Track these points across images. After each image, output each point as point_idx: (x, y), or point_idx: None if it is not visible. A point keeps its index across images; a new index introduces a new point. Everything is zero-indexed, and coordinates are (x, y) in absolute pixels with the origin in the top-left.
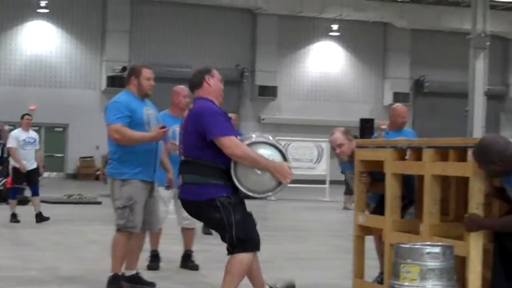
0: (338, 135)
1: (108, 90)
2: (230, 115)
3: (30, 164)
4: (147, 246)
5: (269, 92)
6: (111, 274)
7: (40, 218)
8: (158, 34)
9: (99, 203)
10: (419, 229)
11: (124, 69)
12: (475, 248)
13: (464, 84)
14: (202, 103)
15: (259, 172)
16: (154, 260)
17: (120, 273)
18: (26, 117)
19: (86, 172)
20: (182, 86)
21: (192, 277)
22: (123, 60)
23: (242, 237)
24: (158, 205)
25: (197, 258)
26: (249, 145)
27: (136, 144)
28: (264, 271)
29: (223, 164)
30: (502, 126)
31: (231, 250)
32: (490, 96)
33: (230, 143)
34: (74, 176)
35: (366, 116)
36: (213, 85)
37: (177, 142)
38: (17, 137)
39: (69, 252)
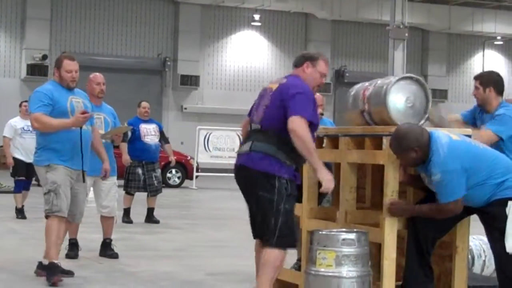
0: None
1: (28, 78)
2: (143, 104)
3: (29, 155)
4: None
5: (191, 81)
6: (47, 262)
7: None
8: (79, 22)
9: None
10: (336, 216)
11: (44, 57)
12: (390, 234)
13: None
14: (295, 79)
15: None
16: (73, 249)
17: (56, 261)
18: (24, 104)
19: (5, 161)
20: (96, 73)
21: (111, 265)
22: (43, 48)
23: (285, 230)
24: (84, 197)
25: (116, 246)
26: None
27: (57, 130)
28: (182, 258)
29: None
30: None
31: (269, 241)
32: None
33: (299, 124)
34: None
35: None
36: (308, 74)
37: (102, 131)
38: (13, 125)
39: None
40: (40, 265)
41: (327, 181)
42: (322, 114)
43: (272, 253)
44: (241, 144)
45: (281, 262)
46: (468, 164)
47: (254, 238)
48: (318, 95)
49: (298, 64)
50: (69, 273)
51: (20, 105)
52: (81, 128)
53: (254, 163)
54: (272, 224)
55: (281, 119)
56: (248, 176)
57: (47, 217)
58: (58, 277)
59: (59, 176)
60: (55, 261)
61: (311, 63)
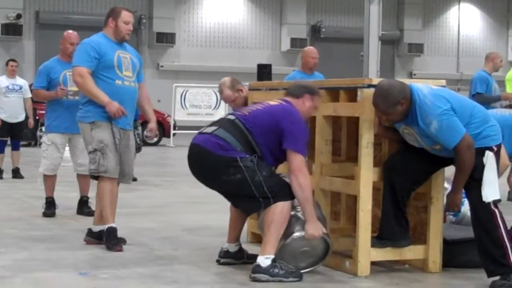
0: (228, 93)
1: (3, 38)
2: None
3: (15, 115)
4: (42, 193)
5: (167, 39)
6: (106, 227)
7: (16, 174)
8: None
9: None
10: (312, 170)
11: (18, 16)
12: (365, 186)
13: (359, 30)
14: (297, 110)
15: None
16: (50, 207)
17: (114, 225)
18: (11, 63)
19: None
20: (70, 31)
21: (88, 223)
22: (17, 7)
23: (275, 188)
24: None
25: (93, 204)
26: None
27: (89, 96)
28: (160, 215)
29: (266, 155)
30: (397, 70)
31: (265, 206)
32: (385, 41)
33: (300, 165)
34: None
35: (264, 62)
36: (307, 108)
37: (68, 88)
38: None
39: None
40: (90, 233)
41: (313, 232)
42: (315, 65)
43: (275, 211)
44: (209, 125)
45: (286, 217)
46: (455, 105)
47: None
48: (312, 48)
49: (297, 95)
50: (123, 241)
51: (7, 64)
52: (127, 85)
53: (214, 147)
54: (262, 192)
55: (264, 131)
56: (206, 158)
57: (95, 178)
58: (120, 246)
59: (106, 134)
60: (113, 225)
61: (311, 98)
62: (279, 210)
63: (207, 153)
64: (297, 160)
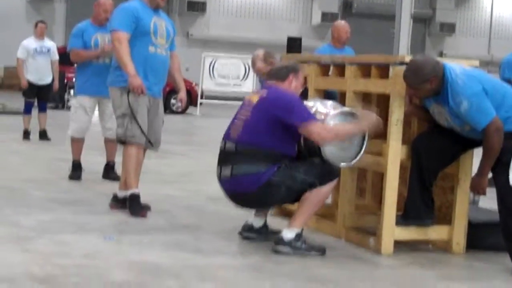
0: (260, 66)
1: None
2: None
3: (42, 77)
4: (69, 156)
5: (198, 7)
6: (129, 193)
7: (43, 136)
8: None
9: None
10: None
11: None
12: (392, 163)
13: (391, 7)
14: (278, 90)
15: (345, 143)
16: (76, 170)
17: (137, 191)
18: (40, 24)
19: (10, 83)
20: None
21: (114, 188)
22: None
23: (318, 175)
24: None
25: (119, 169)
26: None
27: (119, 62)
28: (185, 183)
29: (285, 151)
30: (427, 50)
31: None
32: (417, 19)
33: (318, 129)
34: None
35: (294, 35)
36: (293, 87)
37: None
38: (26, 46)
39: None
40: (115, 198)
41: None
42: (348, 39)
43: (316, 193)
44: (219, 165)
45: (325, 199)
46: (487, 86)
47: None
48: (344, 23)
49: (282, 77)
50: (147, 207)
51: (36, 26)
52: (160, 52)
53: (241, 187)
54: (311, 183)
55: (266, 132)
56: (243, 198)
57: (122, 142)
58: (144, 211)
59: (135, 100)
60: (136, 191)
61: (295, 76)
62: (319, 191)
63: (245, 194)
64: (313, 129)
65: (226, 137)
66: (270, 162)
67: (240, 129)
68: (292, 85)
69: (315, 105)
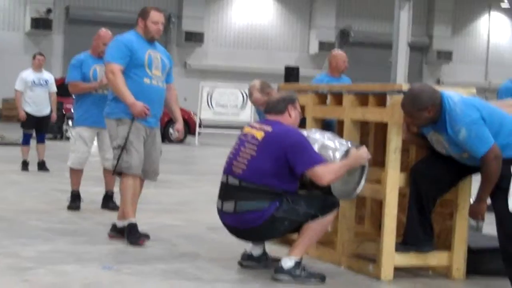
0: (257, 96)
1: (32, 32)
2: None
3: (40, 109)
4: (67, 187)
5: (195, 38)
6: (126, 223)
7: (42, 167)
8: None
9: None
10: None
11: (48, 11)
12: (391, 191)
13: (388, 35)
14: (283, 127)
15: (346, 177)
16: (75, 200)
17: (134, 220)
18: (38, 57)
19: (9, 114)
20: (104, 30)
21: (113, 218)
22: (47, 2)
23: (319, 207)
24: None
25: (118, 199)
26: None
27: (117, 95)
28: (184, 212)
29: (288, 188)
30: (425, 77)
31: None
32: (414, 48)
33: (323, 173)
34: None
35: (292, 64)
36: (293, 118)
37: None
38: (24, 78)
39: None
40: (114, 228)
41: (364, 157)
42: (345, 68)
43: (318, 222)
44: (220, 199)
45: (326, 229)
46: (485, 114)
47: None
48: (342, 53)
49: (281, 110)
50: (146, 236)
51: (34, 58)
52: (155, 84)
53: (247, 222)
54: (313, 215)
55: (272, 171)
56: (246, 233)
57: (118, 174)
58: (142, 240)
59: (136, 129)
60: (133, 221)
61: (293, 106)
62: (321, 222)
63: (249, 230)
64: (318, 173)
65: (229, 171)
66: (273, 198)
67: (245, 166)
68: (292, 116)
69: (320, 138)
